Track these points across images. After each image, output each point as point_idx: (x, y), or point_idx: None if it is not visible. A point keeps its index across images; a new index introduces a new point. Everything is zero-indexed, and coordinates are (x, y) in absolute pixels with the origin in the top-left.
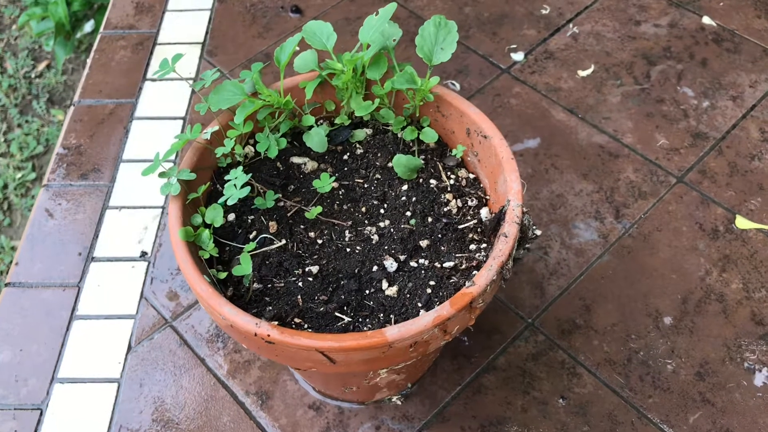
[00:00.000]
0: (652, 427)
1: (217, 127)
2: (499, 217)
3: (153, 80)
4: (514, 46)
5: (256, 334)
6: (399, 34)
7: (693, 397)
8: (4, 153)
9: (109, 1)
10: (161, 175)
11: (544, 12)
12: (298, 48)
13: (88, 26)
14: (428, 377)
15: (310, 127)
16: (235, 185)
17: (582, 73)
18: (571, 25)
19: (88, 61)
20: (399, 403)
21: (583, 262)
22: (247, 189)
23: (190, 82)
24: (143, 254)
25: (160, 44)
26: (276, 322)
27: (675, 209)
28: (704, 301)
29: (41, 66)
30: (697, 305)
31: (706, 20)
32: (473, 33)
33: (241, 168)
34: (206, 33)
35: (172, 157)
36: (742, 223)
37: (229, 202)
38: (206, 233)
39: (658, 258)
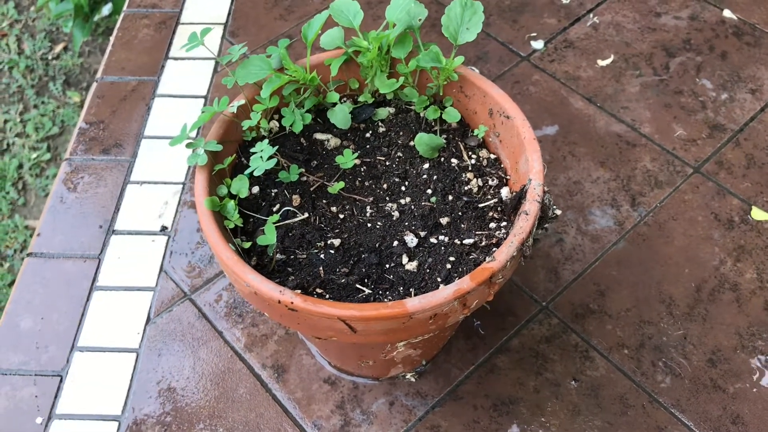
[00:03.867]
0: (663, 412)
1: (243, 101)
2: (520, 196)
3: (175, 59)
4: (534, 34)
5: (279, 301)
6: (425, 14)
7: (704, 383)
8: (20, 133)
9: None
10: (188, 145)
11: (564, 1)
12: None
13: (106, 9)
14: (442, 356)
15: (334, 104)
16: (261, 157)
17: (601, 63)
18: (591, 15)
19: (111, 38)
20: (413, 380)
21: (598, 248)
22: (274, 161)
23: (216, 58)
24: (163, 228)
25: (182, 24)
26: (299, 291)
27: (691, 199)
28: (718, 289)
29: (58, 48)
30: (710, 294)
31: (727, 14)
32: (493, 20)
33: (267, 141)
34: (228, 14)
35: (195, 132)
36: (757, 214)
37: (256, 173)
38: (231, 204)
39: (673, 246)
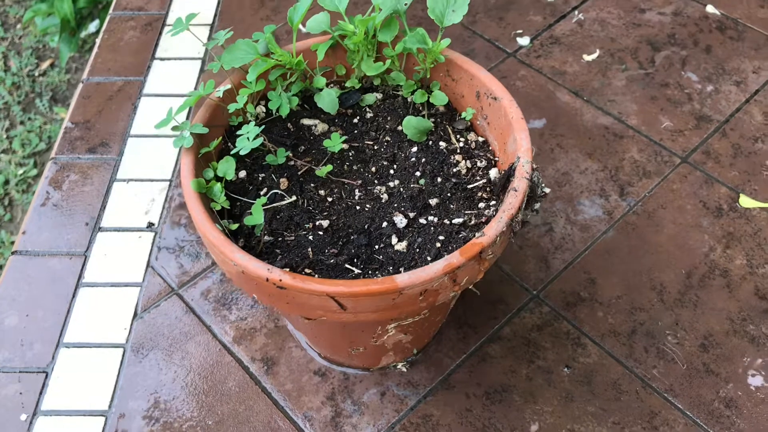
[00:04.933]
0: (656, 397)
1: (229, 86)
2: (509, 174)
3: (162, 59)
4: (520, 31)
5: (267, 279)
6: (410, 0)
7: (697, 367)
8: (6, 149)
9: None
10: (174, 128)
11: (549, 0)
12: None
13: (93, 26)
14: (433, 345)
15: (321, 89)
16: (248, 138)
17: (587, 58)
18: (576, 12)
19: (97, 40)
20: (404, 369)
21: (587, 237)
22: (260, 140)
23: (204, 44)
24: (150, 225)
25: (168, 25)
26: (287, 270)
27: (679, 188)
28: (708, 276)
29: (45, 65)
30: (701, 280)
31: (710, 9)
32: (480, 18)
33: (253, 123)
34: (215, 15)
35: (184, 114)
36: (746, 201)
37: (242, 153)
38: (218, 186)
39: (663, 234)
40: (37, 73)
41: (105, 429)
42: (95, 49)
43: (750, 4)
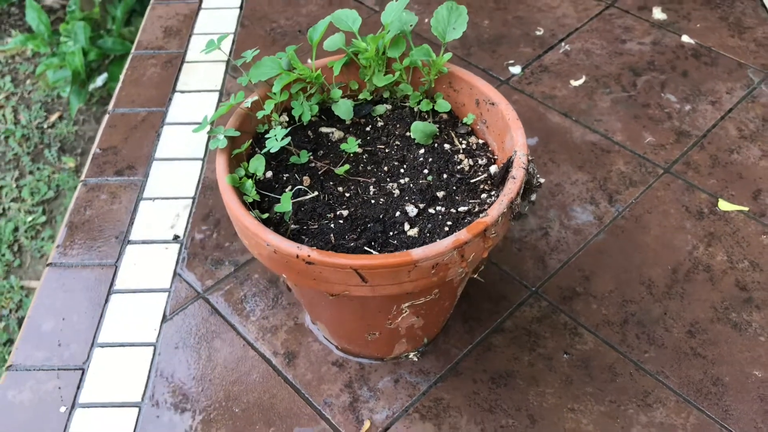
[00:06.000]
0: (649, 378)
1: (257, 97)
2: (507, 165)
3: (182, 92)
4: (512, 61)
5: (297, 256)
6: (415, 20)
7: (685, 351)
8: (15, 198)
9: (130, 48)
10: (209, 132)
11: (538, 33)
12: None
13: (101, 80)
14: (442, 337)
15: (337, 101)
16: (276, 139)
17: (574, 83)
18: (563, 44)
19: (120, 77)
20: (415, 359)
21: (581, 239)
22: (287, 140)
23: (230, 59)
24: (176, 237)
25: (187, 62)
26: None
27: (663, 195)
28: (693, 271)
29: (53, 117)
30: (686, 274)
31: (685, 39)
32: (474, 51)
33: (280, 127)
34: (230, 53)
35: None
36: (724, 205)
37: (272, 150)
38: (249, 182)
39: (650, 235)
40: (46, 125)
41: (139, 419)
42: (119, 84)
43: (722, 34)
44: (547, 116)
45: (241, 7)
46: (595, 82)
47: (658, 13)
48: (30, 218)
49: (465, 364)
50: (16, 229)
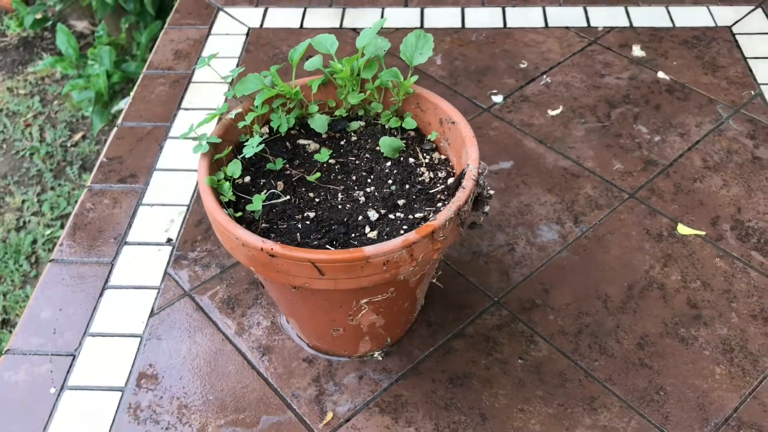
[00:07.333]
0: (596, 384)
1: (240, 110)
2: (460, 177)
3: (186, 109)
4: (495, 91)
5: (262, 249)
6: (388, 46)
7: (633, 361)
8: (36, 212)
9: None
10: (194, 139)
11: (522, 66)
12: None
13: (123, 102)
14: (406, 340)
15: (314, 115)
16: (252, 146)
17: (552, 113)
18: (545, 76)
19: (131, 93)
20: (380, 358)
21: (544, 256)
22: (261, 146)
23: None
24: (168, 240)
25: (193, 82)
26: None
27: (626, 218)
28: (647, 288)
29: (77, 137)
30: (641, 291)
31: (661, 75)
32: (461, 80)
33: (257, 136)
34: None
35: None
36: (683, 229)
37: (247, 155)
38: (227, 184)
39: (610, 255)
40: (69, 144)
41: (121, 401)
42: (129, 100)
43: (696, 71)
44: (524, 142)
45: (247, 34)
46: (572, 113)
47: (637, 51)
48: (48, 231)
49: (426, 364)
50: (34, 242)
